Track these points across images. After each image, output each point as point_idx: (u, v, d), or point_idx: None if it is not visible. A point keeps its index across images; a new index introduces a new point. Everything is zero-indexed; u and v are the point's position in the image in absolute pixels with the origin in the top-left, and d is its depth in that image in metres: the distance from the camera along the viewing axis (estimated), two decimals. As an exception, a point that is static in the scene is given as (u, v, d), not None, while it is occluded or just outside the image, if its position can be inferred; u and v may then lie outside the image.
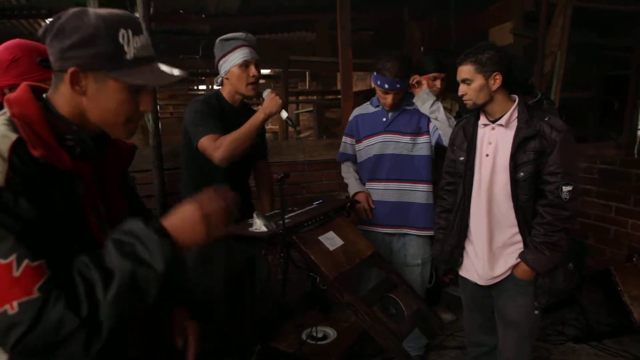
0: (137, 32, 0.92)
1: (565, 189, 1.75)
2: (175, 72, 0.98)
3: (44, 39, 0.92)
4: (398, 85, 2.28)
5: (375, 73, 2.31)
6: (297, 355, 1.84)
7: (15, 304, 0.73)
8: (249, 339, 1.95)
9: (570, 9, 3.87)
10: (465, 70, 1.82)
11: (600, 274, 2.98)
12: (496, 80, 1.79)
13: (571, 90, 4.98)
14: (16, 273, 0.74)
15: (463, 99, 1.88)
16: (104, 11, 0.91)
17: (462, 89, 1.85)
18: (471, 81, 1.81)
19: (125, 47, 0.90)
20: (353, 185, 2.54)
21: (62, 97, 0.92)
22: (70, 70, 0.88)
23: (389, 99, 2.34)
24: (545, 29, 3.84)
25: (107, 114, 0.93)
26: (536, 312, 1.93)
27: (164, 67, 0.98)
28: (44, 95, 0.95)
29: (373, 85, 2.39)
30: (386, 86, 2.28)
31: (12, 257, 0.74)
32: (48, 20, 0.90)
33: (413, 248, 2.47)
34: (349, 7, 3.53)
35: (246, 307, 1.97)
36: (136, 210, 1.13)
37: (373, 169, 2.45)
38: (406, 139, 2.39)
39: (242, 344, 1.96)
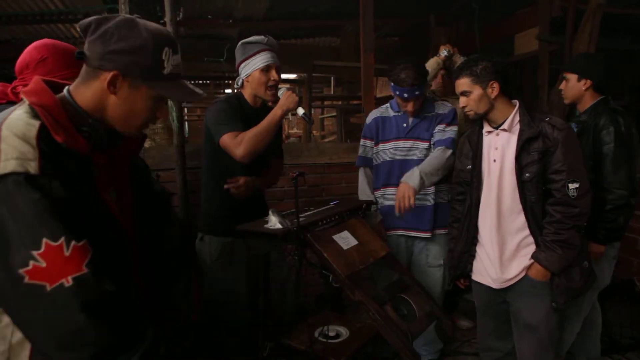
0: (175, 51, 1.04)
1: (572, 186, 1.78)
2: (198, 90, 1.09)
3: (84, 34, 0.99)
4: (417, 92, 2.31)
5: (392, 84, 2.34)
6: (308, 352, 1.85)
7: (70, 278, 0.85)
8: (262, 335, 1.98)
9: (600, 15, 3.78)
10: (462, 83, 1.89)
11: (623, 285, 2.90)
12: (494, 89, 1.86)
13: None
14: (67, 253, 0.85)
15: (465, 110, 1.95)
16: (151, 26, 1.00)
17: (463, 100, 1.92)
18: (470, 92, 1.88)
19: (165, 63, 1.00)
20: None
21: (89, 90, 0.99)
22: (112, 73, 0.96)
23: (409, 106, 2.37)
24: (572, 35, 3.77)
25: (130, 115, 1.01)
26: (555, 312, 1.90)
27: (188, 84, 1.08)
28: (66, 88, 1.02)
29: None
30: (405, 95, 2.31)
31: (62, 240, 0.84)
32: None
33: (435, 248, 2.49)
34: (372, 13, 3.57)
35: (260, 303, 2.00)
36: (147, 192, 1.21)
37: (389, 174, 2.48)
38: (425, 145, 2.42)
39: (255, 340, 2.00)
